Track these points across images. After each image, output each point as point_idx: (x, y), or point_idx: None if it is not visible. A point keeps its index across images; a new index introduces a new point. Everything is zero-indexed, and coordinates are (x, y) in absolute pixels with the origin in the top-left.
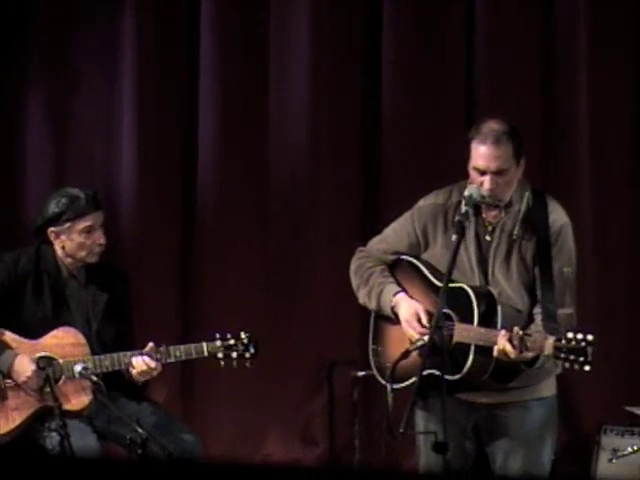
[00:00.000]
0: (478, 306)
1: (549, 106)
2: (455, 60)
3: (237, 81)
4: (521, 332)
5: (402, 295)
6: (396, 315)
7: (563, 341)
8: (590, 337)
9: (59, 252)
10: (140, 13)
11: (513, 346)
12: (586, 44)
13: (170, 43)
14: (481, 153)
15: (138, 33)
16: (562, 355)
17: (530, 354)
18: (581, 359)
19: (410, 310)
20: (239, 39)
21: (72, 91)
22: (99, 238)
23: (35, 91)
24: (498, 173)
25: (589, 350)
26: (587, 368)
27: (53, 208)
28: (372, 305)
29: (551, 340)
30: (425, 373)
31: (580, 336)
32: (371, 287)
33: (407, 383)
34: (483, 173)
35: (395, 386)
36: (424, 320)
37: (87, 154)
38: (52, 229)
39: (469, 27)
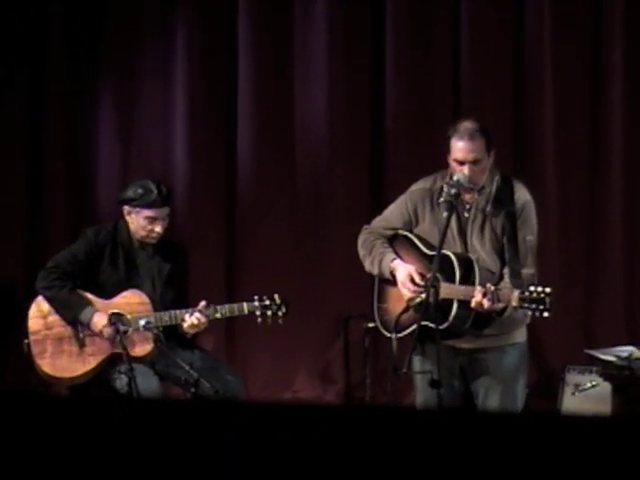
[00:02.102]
0: (459, 268)
1: (518, 109)
2: (444, 66)
3: (269, 85)
4: (493, 287)
5: (398, 261)
6: (394, 277)
7: (526, 293)
8: (548, 289)
9: (131, 227)
10: (189, 27)
11: (487, 299)
12: (550, 50)
13: (214, 50)
14: (460, 147)
15: (188, 44)
16: (526, 305)
17: (500, 305)
18: (541, 307)
19: (405, 273)
20: (270, 55)
21: (135, 93)
22: (157, 228)
23: (105, 93)
24: (474, 163)
25: (547, 300)
26: (546, 314)
27: (130, 192)
28: (375, 271)
29: (516, 293)
30: (422, 323)
31: (540, 289)
32: (373, 257)
33: (408, 331)
34: (462, 163)
35: (398, 335)
36: (417, 280)
37: (147, 145)
38: (126, 207)
39: (455, 34)
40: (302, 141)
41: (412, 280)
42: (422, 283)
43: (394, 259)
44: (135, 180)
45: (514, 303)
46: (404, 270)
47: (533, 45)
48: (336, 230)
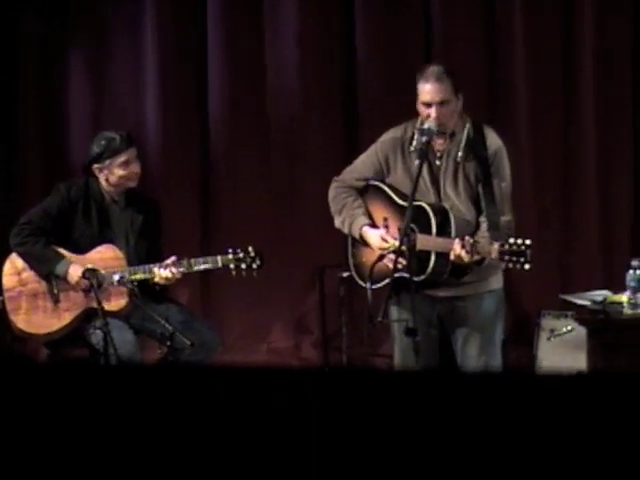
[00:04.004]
0: (435, 219)
1: (491, 58)
2: (416, 28)
3: (239, 43)
4: (472, 240)
5: (366, 228)
6: (365, 243)
7: (506, 246)
8: (528, 242)
9: (103, 184)
10: None
11: (466, 252)
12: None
13: (183, 5)
14: (426, 90)
15: (157, 6)
16: (506, 257)
17: (479, 257)
18: (522, 260)
19: (377, 239)
20: (241, 8)
21: (106, 53)
22: (135, 168)
23: (77, 54)
24: (441, 104)
25: (528, 252)
26: (527, 267)
27: (95, 149)
28: (345, 231)
29: (496, 246)
30: (397, 276)
31: (520, 241)
32: (344, 218)
33: (382, 283)
34: (429, 106)
35: (373, 286)
36: (390, 241)
37: (119, 103)
38: (96, 166)
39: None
40: (274, 95)
41: (386, 244)
42: (396, 243)
43: (363, 225)
44: (93, 138)
45: (493, 255)
46: (375, 236)
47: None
48: (310, 181)
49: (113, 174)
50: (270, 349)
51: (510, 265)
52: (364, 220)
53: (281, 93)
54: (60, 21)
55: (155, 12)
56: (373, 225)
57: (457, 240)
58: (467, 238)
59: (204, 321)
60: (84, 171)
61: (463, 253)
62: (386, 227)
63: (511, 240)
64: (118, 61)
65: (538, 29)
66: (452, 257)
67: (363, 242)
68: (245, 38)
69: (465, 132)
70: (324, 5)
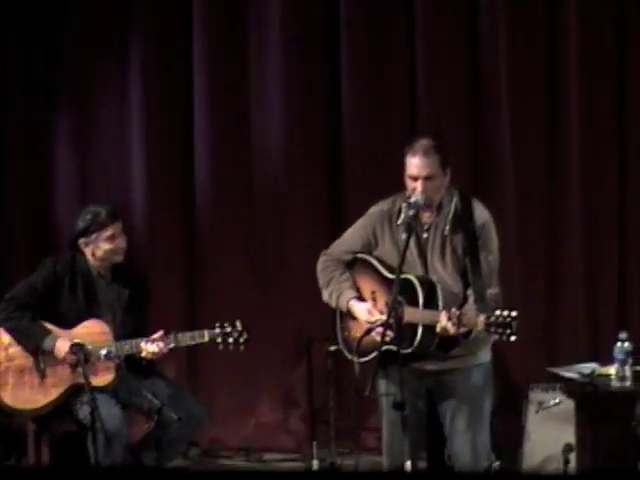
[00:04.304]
0: (422, 291)
1: (477, 116)
2: (400, 81)
3: (225, 102)
4: (458, 312)
5: (354, 301)
6: (352, 316)
7: (492, 318)
8: (514, 313)
9: (90, 258)
10: (143, 50)
11: (453, 324)
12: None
13: (169, 65)
14: (414, 163)
15: (143, 60)
16: (492, 329)
17: (466, 329)
18: (508, 331)
19: (364, 312)
20: (226, 70)
21: (92, 117)
22: (121, 243)
23: (62, 119)
24: (427, 179)
25: (514, 324)
26: (513, 338)
27: (80, 224)
28: (332, 304)
29: (482, 318)
30: (384, 349)
31: (506, 313)
32: (331, 291)
33: (370, 357)
34: (415, 179)
35: (360, 360)
36: (376, 315)
37: (105, 168)
38: (82, 240)
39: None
40: (259, 158)
41: (372, 317)
42: (382, 317)
43: (350, 299)
44: (79, 213)
45: (479, 327)
46: (363, 310)
47: (489, 52)
48: (296, 251)
49: (99, 248)
50: (258, 423)
51: (496, 337)
52: (351, 293)
53: (266, 157)
54: (46, 85)
55: (140, 71)
56: (360, 298)
57: (443, 312)
58: (453, 310)
59: (191, 394)
60: (70, 246)
61: (449, 325)
62: (374, 300)
63: (497, 312)
64: (104, 126)
65: (523, 94)
66: (438, 329)
67: (350, 315)
68: (230, 98)
69: (452, 205)
70: (310, 68)
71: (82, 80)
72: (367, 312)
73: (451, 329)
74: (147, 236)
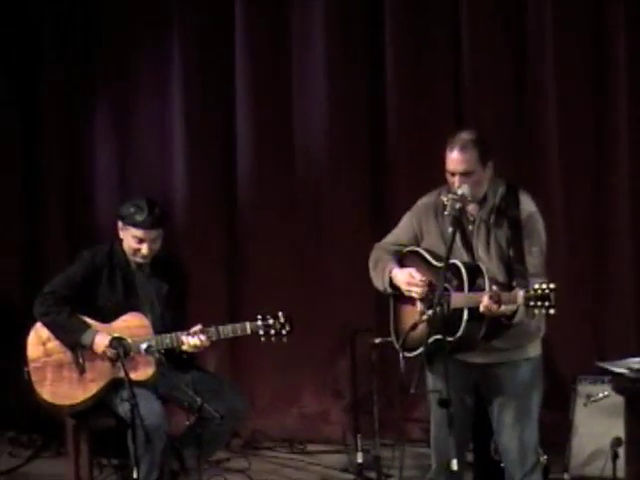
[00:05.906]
0: (467, 276)
1: (520, 108)
2: (445, 69)
3: (266, 96)
4: (498, 290)
5: (395, 269)
6: (396, 288)
7: (531, 292)
8: (552, 285)
9: (124, 245)
10: (184, 37)
11: (493, 301)
12: (553, 49)
13: (210, 60)
14: (451, 159)
15: (183, 53)
16: (531, 303)
17: (509, 307)
18: (546, 304)
19: (404, 275)
20: (267, 62)
21: (131, 107)
22: (143, 249)
23: (102, 108)
24: (465, 174)
25: (552, 295)
26: (552, 311)
27: (124, 209)
28: (381, 287)
29: (521, 292)
30: (430, 341)
31: (544, 285)
32: (377, 272)
33: (416, 353)
34: (453, 175)
35: (407, 354)
36: (417, 277)
37: (145, 160)
38: (119, 223)
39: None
40: (301, 158)
41: (414, 279)
42: (424, 278)
43: (392, 269)
44: (134, 197)
45: (519, 301)
46: (402, 273)
47: (535, 46)
48: (340, 243)
49: (126, 239)
50: (301, 413)
51: (536, 311)
52: (393, 265)
53: (308, 148)
54: (86, 76)
55: (182, 65)
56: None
57: (486, 292)
58: (494, 288)
59: (233, 387)
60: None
61: (491, 302)
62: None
63: (536, 285)
64: (144, 118)
65: (570, 93)
66: (482, 309)
67: (396, 292)
68: (272, 92)
69: (498, 197)
70: (354, 68)
71: (123, 77)
72: (409, 275)
73: (493, 307)
74: (187, 228)
